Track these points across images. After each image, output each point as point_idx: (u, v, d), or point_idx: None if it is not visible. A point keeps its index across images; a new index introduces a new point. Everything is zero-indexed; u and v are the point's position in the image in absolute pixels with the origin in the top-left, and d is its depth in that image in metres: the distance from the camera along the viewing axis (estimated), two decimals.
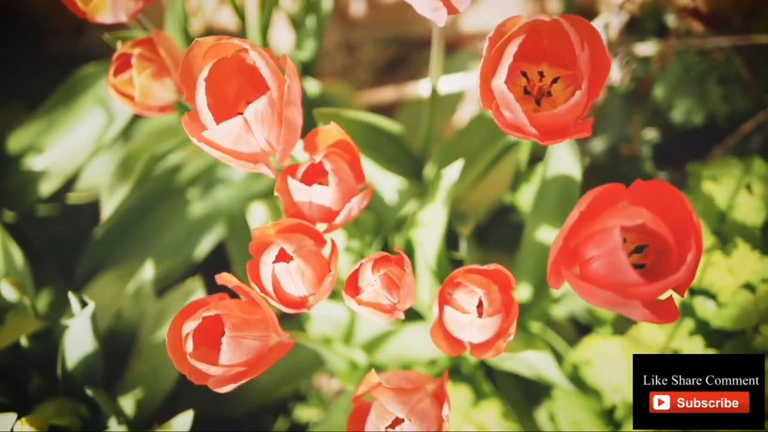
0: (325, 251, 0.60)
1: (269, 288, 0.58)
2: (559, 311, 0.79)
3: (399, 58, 1.16)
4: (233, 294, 0.60)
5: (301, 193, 0.60)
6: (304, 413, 0.96)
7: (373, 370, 0.58)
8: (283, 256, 0.57)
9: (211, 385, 0.56)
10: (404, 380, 0.59)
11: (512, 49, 0.53)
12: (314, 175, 0.61)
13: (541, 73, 0.57)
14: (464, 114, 0.96)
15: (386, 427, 0.57)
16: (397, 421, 0.57)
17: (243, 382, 0.57)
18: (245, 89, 0.59)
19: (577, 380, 0.79)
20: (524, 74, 0.58)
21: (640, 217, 0.49)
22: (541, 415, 0.82)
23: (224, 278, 0.59)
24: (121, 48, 0.69)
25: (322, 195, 0.59)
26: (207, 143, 0.55)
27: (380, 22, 1.12)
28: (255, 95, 0.55)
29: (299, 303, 0.59)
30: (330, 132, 0.61)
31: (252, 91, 0.57)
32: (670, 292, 0.52)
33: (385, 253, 0.58)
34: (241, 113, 0.54)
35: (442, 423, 0.58)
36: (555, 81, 0.57)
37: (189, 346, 0.55)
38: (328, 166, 0.59)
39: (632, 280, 0.48)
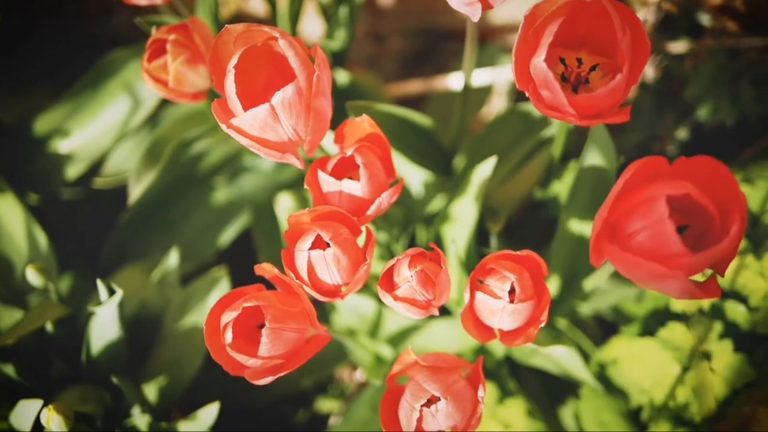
0: (360, 240, 0.59)
1: (304, 275, 0.57)
2: (585, 309, 0.79)
3: (426, 49, 1.14)
4: (267, 284, 0.59)
5: (331, 186, 0.59)
6: (325, 405, 0.96)
7: (410, 348, 0.57)
8: (318, 244, 0.56)
9: (247, 376, 0.56)
10: (440, 360, 0.58)
11: (552, 28, 0.52)
12: (345, 169, 0.60)
13: (579, 60, 0.57)
14: (492, 107, 0.95)
15: (421, 406, 0.56)
16: (432, 400, 0.56)
17: (280, 375, 0.56)
18: (275, 79, 0.58)
19: (603, 379, 0.78)
20: (562, 60, 0.57)
21: (684, 188, 0.48)
22: (566, 414, 0.81)
23: (263, 268, 0.58)
24: (155, 33, 0.68)
25: (353, 189, 0.59)
26: (235, 130, 0.54)
27: (408, 12, 1.11)
28: (284, 85, 0.54)
29: (333, 292, 0.58)
30: (361, 125, 0.60)
31: (282, 81, 0.56)
32: (709, 273, 0.52)
33: (421, 249, 0.58)
34: None
35: (477, 405, 0.56)
36: (593, 68, 0.57)
37: (228, 336, 0.55)
38: (359, 160, 0.58)
39: (677, 249, 0.48)
